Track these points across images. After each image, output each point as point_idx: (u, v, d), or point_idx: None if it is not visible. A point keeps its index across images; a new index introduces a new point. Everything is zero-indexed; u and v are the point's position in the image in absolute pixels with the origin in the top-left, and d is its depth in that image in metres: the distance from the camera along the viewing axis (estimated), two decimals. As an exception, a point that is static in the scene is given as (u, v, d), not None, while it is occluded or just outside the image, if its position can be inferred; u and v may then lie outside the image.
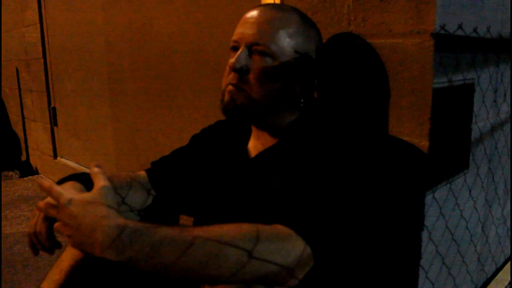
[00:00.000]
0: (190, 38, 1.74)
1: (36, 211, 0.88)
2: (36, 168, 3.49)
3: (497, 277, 1.49)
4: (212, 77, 1.67)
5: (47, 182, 0.73)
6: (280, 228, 0.70)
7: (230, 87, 0.88)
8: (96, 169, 0.75)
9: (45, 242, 0.86)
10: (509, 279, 1.47)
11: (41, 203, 0.76)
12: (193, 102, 1.78)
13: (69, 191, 0.72)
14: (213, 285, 0.67)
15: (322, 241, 0.72)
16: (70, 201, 0.69)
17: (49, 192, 0.72)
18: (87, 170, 0.83)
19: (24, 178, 3.31)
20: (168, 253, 0.63)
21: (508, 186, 1.49)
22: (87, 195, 0.71)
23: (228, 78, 0.88)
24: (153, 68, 1.99)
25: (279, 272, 0.67)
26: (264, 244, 0.66)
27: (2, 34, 3.60)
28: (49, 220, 0.84)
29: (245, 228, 0.68)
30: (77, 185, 0.89)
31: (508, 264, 1.58)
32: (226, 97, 0.88)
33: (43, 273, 0.98)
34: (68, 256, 0.91)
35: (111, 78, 2.34)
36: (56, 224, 0.72)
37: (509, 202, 1.53)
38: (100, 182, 0.73)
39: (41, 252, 0.90)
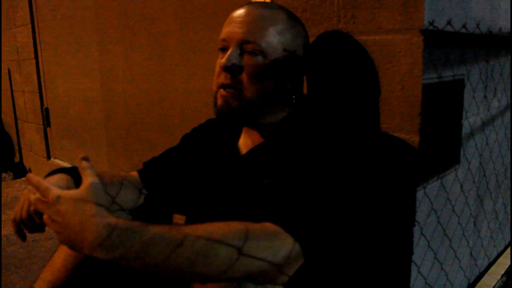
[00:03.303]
0: (183, 38, 1.74)
1: (22, 197, 0.87)
2: (29, 169, 3.47)
3: (490, 271, 1.50)
4: (204, 76, 1.66)
5: (35, 177, 0.71)
6: (269, 226, 0.70)
7: (222, 91, 0.87)
8: (84, 163, 0.72)
9: (36, 220, 0.84)
10: (502, 272, 1.49)
11: (31, 196, 0.74)
12: (186, 102, 1.78)
13: (58, 187, 0.70)
14: (203, 283, 0.67)
15: (311, 238, 0.72)
16: (58, 198, 0.68)
17: (37, 187, 0.70)
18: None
19: (18, 180, 3.30)
20: (158, 252, 0.63)
21: (499, 181, 1.50)
22: (76, 192, 0.68)
23: (220, 78, 0.87)
24: (146, 68, 1.98)
25: (269, 269, 0.67)
26: (253, 241, 0.66)
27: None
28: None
29: (234, 226, 0.68)
30: (66, 177, 0.88)
31: (500, 258, 1.59)
32: (220, 102, 0.88)
33: (36, 274, 0.98)
34: (60, 256, 0.91)
35: (103, 78, 2.33)
36: (45, 217, 0.70)
37: (500, 196, 1.54)
38: (89, 178, 0.70)
39: (34, 253, 0.89)
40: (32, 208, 0.84)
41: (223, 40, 0.88)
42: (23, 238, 0.89)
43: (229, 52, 0.86)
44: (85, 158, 0.73)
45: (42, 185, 0.70)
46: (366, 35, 0.99)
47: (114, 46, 2.18)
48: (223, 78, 0.87)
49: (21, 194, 2.76)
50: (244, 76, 0.85)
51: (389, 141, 0.98)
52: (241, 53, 0.86)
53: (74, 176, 0.88)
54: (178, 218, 1.23)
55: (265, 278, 0.68)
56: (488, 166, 1.37)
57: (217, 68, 0.88)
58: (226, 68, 0.85)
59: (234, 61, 0.85)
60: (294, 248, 0.69)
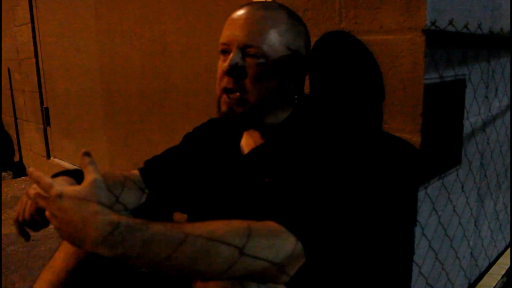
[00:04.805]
0: (184, 37, 1.74)
1: (24, 197, 0.86)
2: (29, 168, 3.47)
3: (490, 271, 1.50)
4: (205, 76, 1.66)
5: (36, 172, 0.70)
6: (271, 225, 0.70)
7: (226, 97, 0.86)
8: (86, 159, 0.71)
9: (37, 218, 0.84)
10: (503, 273, 1.49)
11: (31, 191, 0.73)
12: (186, 101, 1.78)
13: (60, 183, 0.69)
14: (205, 281, 0.67)
15: (314, 237, 0.72)
16: (61, 194, 0.67)
17: (37, 183, 0.69)
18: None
19: (17, 179, 3.29)
20: (160, 250, 0.63)
21: (500, 181, 1.50)
22: (78, 189, 0.68)
23: (222, 82, 0.87)
24: (146, 67, 1.98)
25: (271, 268, 0.67)
26: (255, 240, 0.66)
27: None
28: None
29: (236, 225, 0.67)
30: (69, 179, 0.88)
31: (501, 259, 1.59)
32: (224, 108, 0.87)
33: (37, 274, 0.98)
34: (61, 256, 0.91)
35: (103, 77, 2.33)
36: (47, 213, 0.69)
37: (501, 197, 1.54)
38: (91, 175, 0.69)
39: (34, 253, 0.89)
40: (33, 205, 0.84)
41: (224, 43, 0.87)
42: (27, 238, 0.89)
43: (231, 56, 0.85)
44: (87, 154, 0.71)
45: (44, 180, 0.69)
46: (368, 35, 0.99)
47: (114, 46, 2.18)
48: (225, 82, 0.86)
49: (21, 193, 2.77)
50: (247, 81, 0.85)
51: (391, 142, 0.98)
52: (243, 56, 0.85)
53: (78, 178, 0.88)
54: (179, 218, 1.23)
55: (266, 277, 0.68)
56: (489, 167, 1.37)
57: (219, 72, 0.88)
58: (229, 73, 0.84)
59: (236, 65, 0.84)
60: (296, 247, 0.69)
